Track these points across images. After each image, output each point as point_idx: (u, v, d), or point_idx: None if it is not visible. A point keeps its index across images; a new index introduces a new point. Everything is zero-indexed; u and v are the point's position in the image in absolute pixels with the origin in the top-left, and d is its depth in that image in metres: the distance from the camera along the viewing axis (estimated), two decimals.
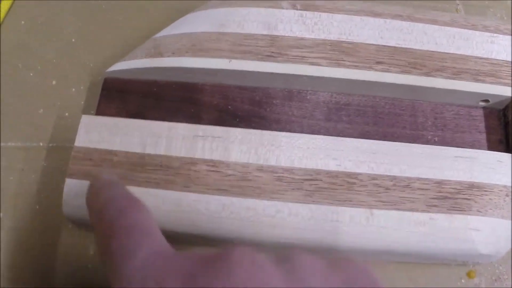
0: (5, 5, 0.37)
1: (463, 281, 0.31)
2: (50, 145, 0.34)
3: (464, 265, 0.31)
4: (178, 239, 0.32)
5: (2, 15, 0.37)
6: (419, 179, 0.29)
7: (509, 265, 0.31)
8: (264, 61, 0.31)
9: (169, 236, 0.31)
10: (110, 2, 0.38)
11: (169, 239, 0.32)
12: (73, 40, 0.37)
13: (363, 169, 0.29)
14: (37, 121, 0.34)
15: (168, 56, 0.32)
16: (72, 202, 0.29)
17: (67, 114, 0.35)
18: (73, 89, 0.35)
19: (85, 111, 0.34)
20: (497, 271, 0.31)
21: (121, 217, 0.21)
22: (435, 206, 0.29)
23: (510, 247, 0.29)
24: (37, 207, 0.33)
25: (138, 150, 0.30)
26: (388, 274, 0.31)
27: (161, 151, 0.29)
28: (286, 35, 0.32)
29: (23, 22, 0.38)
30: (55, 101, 0.35)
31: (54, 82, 0.36)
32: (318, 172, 0.29)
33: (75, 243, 0.32)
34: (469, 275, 0.31)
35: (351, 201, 0.28)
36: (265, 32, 0.32)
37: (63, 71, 0.36)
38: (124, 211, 0.21)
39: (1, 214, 0.32)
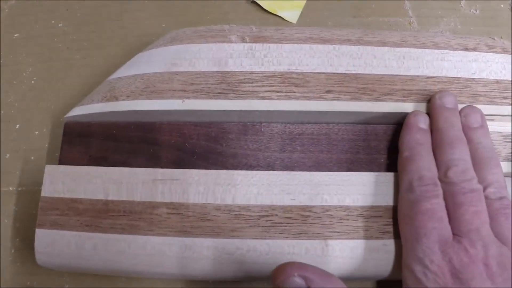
0: None
1: None
2: (19, 189, 0.35)
3: None
4: (146, 280, 0.34)
5: None
6: (371, 207, 0.30)
7: None
8: (216, 98, 0.32)
9: (137, 277, 0.32)
10: (67, 41, 0.38)
11: (137, 280, 0.34)
12: (32, 81, 0.37)
13: (316, 201, 0.30)
14: (5, 166, 0.35)
15: (123, 100, 0.32)
16: (44, 251, 0.30)
17: (32, 157, 0.35)
18: (37, 132, 0.36)
19: (50, 154, 0.35)
20: None
21: None
22: (387, 232, 0.30)
23: None
24: (13, 251, 0.34)
25: (101, 197, 0.31)
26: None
27: (123, 197, 0.31)
28: (237, 70, 0.32)
29: None
30: (20, 145, 0.36)
31: (17, 126, 0.36)
32: (273, 207, 0.30)
33: (51, 282, 0.34)
34: None
35: (306, 233, 0.30)
36: (215, 69, 0.32)
37: (25, 114, 0.37)
38: None
39: None
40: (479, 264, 0.25)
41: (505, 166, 0.32)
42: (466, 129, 0.31)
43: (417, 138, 0.30)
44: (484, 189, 0.28)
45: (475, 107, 0.32)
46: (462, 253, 0.26)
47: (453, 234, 0.27)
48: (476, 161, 0.29)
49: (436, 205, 0.27)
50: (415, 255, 0.27)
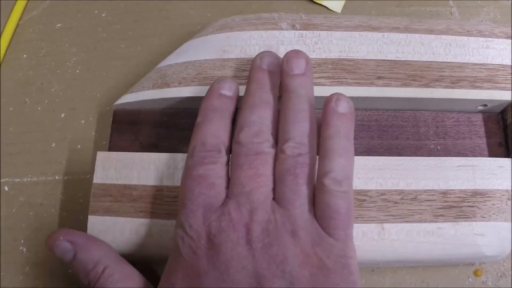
0: (5, 41, 0.38)
1: (470, 279, 0.33)
2: (66, 178, 0.35)
3: (471, 264, 0.33)
4: None
5: (3, 50, 0.38)
6: (425, 191, 0.30)
7: None
8: None
9: None
10: (110, 31, 0.38)
11: None
12: (77, 71, 0.37)
13: (371, 185, 0.30)
14: (51, 155, 0.35)
15: (175, 86, 0.32)
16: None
17: (79, 146, 0.35)
18: (83, 121, 0.36)
19: (96, 142, 0.35)
20: (502, 268, 0.33)
21: None
22: (441, 215, 0.30)
23: None
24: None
25: (155, 183, 0.31)
26: (399, 277, 0.33)
27: (178, 182, 0.31)
28: None
29: (25, 56, 0.38)
30: (66, 134, 0.36)
31: (63, 115, 0.36)
32: None
33: None
34: (476, 273, 0.33)
35: (362, 217, 0.30)
36: None
37: (70, 103, 0.37)
38: None
39: (25, 249, 0.33)
40: (239, 228, 0.24)
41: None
42: (284, 76, 0.28)
43: (214, 104, 0.28)
44: (283, 143, 0.26)
45: (301, 51, 0.29)
46: (224, 217, 0.24)
47: (226, 197, 0.26)
48: (284, 114, 0.27)
49: (209, 171, 0.26)
50: (179, 219, 0.26)
